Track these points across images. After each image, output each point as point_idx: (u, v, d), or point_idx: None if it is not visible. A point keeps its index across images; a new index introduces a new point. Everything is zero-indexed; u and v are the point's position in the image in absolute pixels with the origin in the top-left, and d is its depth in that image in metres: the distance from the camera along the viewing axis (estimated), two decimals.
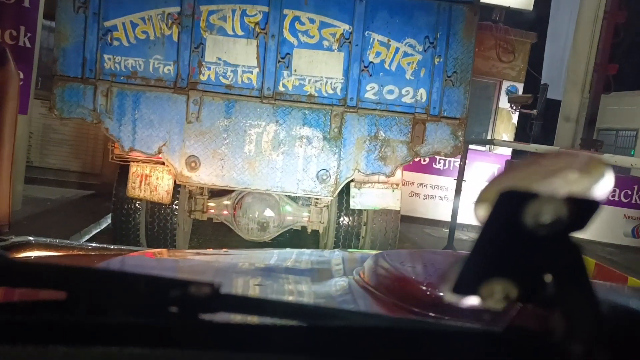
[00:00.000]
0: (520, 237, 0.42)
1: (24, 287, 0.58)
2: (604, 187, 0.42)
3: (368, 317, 0.78)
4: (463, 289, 0.44)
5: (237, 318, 0.50)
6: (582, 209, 0.41)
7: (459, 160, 6.06)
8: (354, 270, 1.20)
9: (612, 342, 0.43)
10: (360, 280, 1.13)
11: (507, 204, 0.42)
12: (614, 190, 7.34)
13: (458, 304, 0.46)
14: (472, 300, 0.45)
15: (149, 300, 0.48)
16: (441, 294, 0.95)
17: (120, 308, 0.48)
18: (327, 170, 4.25)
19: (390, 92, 4.23)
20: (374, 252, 1.43)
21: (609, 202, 7.32)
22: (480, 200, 0.43)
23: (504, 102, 8.80)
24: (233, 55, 4.14)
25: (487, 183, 0.44)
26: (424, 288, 1.03)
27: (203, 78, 4.14)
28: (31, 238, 1.33)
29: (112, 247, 1.70)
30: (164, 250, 3.15)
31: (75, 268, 0.61)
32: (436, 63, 4.19)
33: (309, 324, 0.51)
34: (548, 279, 0.44)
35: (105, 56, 4.08)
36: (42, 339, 0.44)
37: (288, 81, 4.18)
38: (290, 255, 1.64)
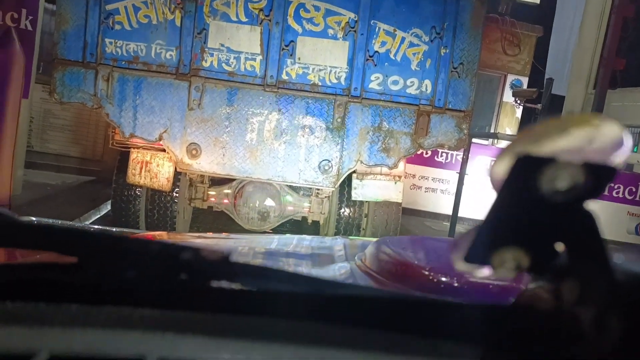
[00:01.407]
0: (535, 204, 0.42)
1: (35, 249, 0.60)
2: (621, 151, 0.41)
3: (373, 290, 0.81)
4: (474, 257, 0.44)
5: (244, 285, 0.51)
6: (599, 175, 0.41)
7: (461, 153, 6.01)
8: (356, 256, 1.23)
9: (627, 314, 0.42)
10: (362, 265, 1.15)
11: (523, 169, 0.41)
12: (618, 187, 7.30)
13: (467, 276, 0.45)
14: (484, 270, 0.44)
15: (161, 265, 0.50)
16: (443, 279, 0.95)
17: (133, 271, 0.49)
18: (329, 161, 4.21)
19: (395, 82, 4.18)
20: (374, 239, 1.44)
21: (612, 198, 7.27)
22: (496, 165, 0.43)
23: (508, 96, 8.74)
24: (236, 41, 4.09)
25: (504, 148, 0.43)
26: (426, 273, 1.05)
27: (205, 64, 4.09)
28: (33, 219, 1.33)
29: (114, 229, 1.71)
30: (163, 233, 3.13)
31: (87, 232, 0.65)
32: (442, 54, 4.13)
33: (315, 292, 0.52)
34: (560, 248, 0.44)
35: (107, 40, 4.03)
36: (55, 297, 0.45)
37: (291, 69, 4.13)
38: (291, 241, 1.65)
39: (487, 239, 0.44)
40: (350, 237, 4.00)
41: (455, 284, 0.91)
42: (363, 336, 0.46)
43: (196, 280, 0.50)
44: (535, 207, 0.42)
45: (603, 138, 0.41)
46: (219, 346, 0.42)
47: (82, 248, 0.52)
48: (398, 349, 0.45)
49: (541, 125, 0.43)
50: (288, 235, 1.74)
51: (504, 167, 0.42)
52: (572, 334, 0.44)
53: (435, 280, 0.97)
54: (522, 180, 0.41)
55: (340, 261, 1.28)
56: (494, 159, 0.43)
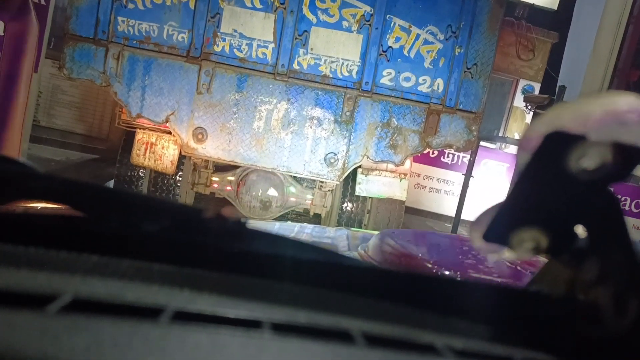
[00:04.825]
0: (561, 182, 0.41)
1: (59, 203, 0.60)
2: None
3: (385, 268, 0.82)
4: (493, 236, 0.44)
5: (261, 249, 0.52)
6: (627, 156, 0.40)
7: (468, 155, 5.96)
8: (359, 247, 1.22)
9: None
10: (365, 255, 1.16)
11: (552, 146, 0.40)
12: (624, 200, 7.25)
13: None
14: (501, 250, 0.44)
15: (179, 224, 0.51)
16: (446, 272, 0.94)
17: (151, 227, 0.50)
18: (335, 154, 4.18)
19: (407, 79, 4.14)
20: (375, 232, 1.44)
21: None
22: (524, 141, 0.42)
23: (519, 101, 8.68)
24: (249, 28, 4.05)
25: (533, 123, 0.42)
26: (429, 266, 1.05)
27: (217, 49, 4.06)
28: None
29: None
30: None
31: (108, 188, 0.66)
32: (456, 53, 4.09)
33: (330, 262, 0.52)
34: (579, 230, 0.44)
35: (119, 18, 4.00)
36: (75, 247, 0.47)
37: (303, 59, 4.10)
38: (292, 229, 1.64)
39: (507, 217, 0.43)
40: (352, 228, 3.99)
41: (458, 278, 0.89)
42: (375, 307, 0.46)
43: (213, 240, 0.50)
44: (560, 186, 0.41)
45: (623, 106, 0.40)
46: (235, 304, 0.43)
47: (102, 203, 0.53)
48: (409, 321, 0.45)
49: (576, 103, 0.42)
50: (289, 222, 1.73)
51: (532, 143, 0.41)
52: (589, 316, 0.44)
53: (438, 273, 0.96)
54: (550, 157, 0.41)
55: (342, 251, 1.27)
56: (522, 135, 0.43)
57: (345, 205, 4.72)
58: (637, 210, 7.32)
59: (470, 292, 0.50)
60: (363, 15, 4.05)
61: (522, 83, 8.69)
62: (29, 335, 0.33)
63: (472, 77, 4.12)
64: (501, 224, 0.43)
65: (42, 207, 0.71)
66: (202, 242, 0.49)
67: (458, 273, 0.95)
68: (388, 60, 4.11)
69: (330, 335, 0.40)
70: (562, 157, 0.40)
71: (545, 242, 0.44)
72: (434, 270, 1.01)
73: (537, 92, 8.67)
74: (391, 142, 4.18)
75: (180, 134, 4.11)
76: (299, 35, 4.07)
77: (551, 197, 0.42)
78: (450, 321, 0.46)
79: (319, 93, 4.13)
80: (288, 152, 4.18)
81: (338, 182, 4.38)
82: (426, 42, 4.10)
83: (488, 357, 0.42)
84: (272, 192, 4.62)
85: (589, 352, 0.44)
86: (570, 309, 0.46)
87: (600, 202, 0.42)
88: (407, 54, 4.12)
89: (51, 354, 0.32)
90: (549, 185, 0.42)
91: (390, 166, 4.33)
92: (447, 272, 0.97)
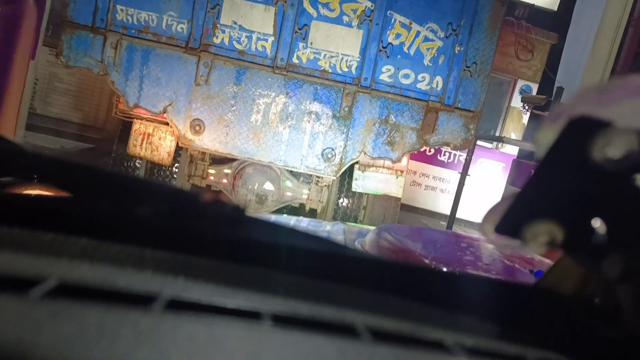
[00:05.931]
0: (583, 172, 0.39)
1: (51, 184, 0.58)
2: None
3: (391, 261, 0.80)
4: (506, 228, 0.41)
5: (259, 237, 0.50)
6: None
7: (464, 153, 5.96)
8: (355, 241, 1.21)
9: None
10: (362, 250, 1.13)
11: (575, 132, 0.38)
12: None
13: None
14: (513, 242, 0.42)
15: (174, 209, 0.49)
16: (444, 268, 0.94)
17: (145, 212, 0.48)
18: (333, 149, 4.17)
19: (406, 76, 4.13)
20: (372, 227, 1.43)
21: None
22: (545, 127, 0.40)
23: (516, 101, 8.68)
24: (249, 20, 4.03)
25: (557, 109, 0.40)
26: (427, 262, 1.04)
27: (216, 41, 4.03)
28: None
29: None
30: None
31: (101, 169, 0.64)
32: (456, 51, 4.08)
33: (331, 253, 0.51)
34: (596, 224, 0.41)
35: (118, 7, 3.96)
36: (63, 229, 0.45)
37: (303, 53, 4.08)
38: (288, 222, 1.62)
39: (522, 208, 0.41)
40: (349, 223, 3.99)
41: (457, 274, 0.89)
42: (381, 301, 0.45)
43: (212, 226, 0.48)
44: (581, 176, 0.39)
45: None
46: (233, 293, 0.41)
47: (93, 183, 0.51)
48: (416, 317, 0.43)
49: (602, 88, 0.40)
50: (285, 216, 1.72)
51: (554, 130, 0.39)
52: (605, 315, 0.43)
53: (436, 269, 0.96)
54: (573, 144, 0.38)
55: None
56: (545, 119, 0.40)
57: (341, 200, 4.71)
58: None
59: (481, 289, 0.49)
60: (364, 10, 4.04)
61: (520, 83, 8.70)
62: (9, 321, 0.31)
63: (471, 76, 4.11)
64: (515, 215, 0.41)
65: (29, 187, 0.69)
66: (200, 227, 0.47)
67: (456, 269, 0.94)
68: (388, 57, 4.10)
69: (333, 328, 0.38)
70: (586, 144, 0.38)
71: (560, 235, 0.41)
72: (432, 266, 1.01)
73: (534, 92, 8.67)
74: (389, 139, 4.18)
75: (178, 125, 4.09)
76: (299, 29, 4.05)
77: (570, 187, 0.40)
78: (460, 318, 0.45)
79: (318, 87, 4.12)
80: (285, 146, 4.17)
81: (335, 178, 4.37)
82: (426, 39, 4.09)
83: (500, 355, 0.40)
84: (268, 186, 4.61)
85: (605, 353, 0.42)
86: (585, 307, 0.45)
87: (623, 194, 0.40)
88: (406, 51, 4.11)
89: (32, 341, 0.30)
90: (568, 175, 0.39)
91: (387, 163, 4.32)
92: (445, 268, 0.97)
